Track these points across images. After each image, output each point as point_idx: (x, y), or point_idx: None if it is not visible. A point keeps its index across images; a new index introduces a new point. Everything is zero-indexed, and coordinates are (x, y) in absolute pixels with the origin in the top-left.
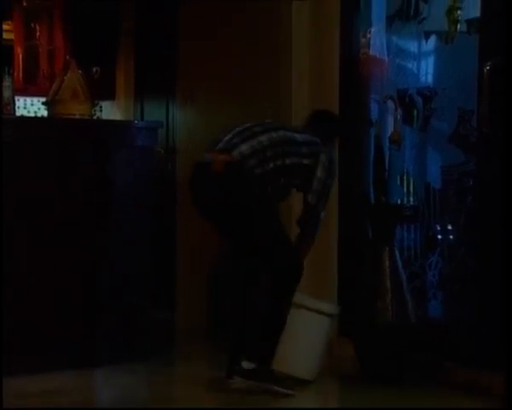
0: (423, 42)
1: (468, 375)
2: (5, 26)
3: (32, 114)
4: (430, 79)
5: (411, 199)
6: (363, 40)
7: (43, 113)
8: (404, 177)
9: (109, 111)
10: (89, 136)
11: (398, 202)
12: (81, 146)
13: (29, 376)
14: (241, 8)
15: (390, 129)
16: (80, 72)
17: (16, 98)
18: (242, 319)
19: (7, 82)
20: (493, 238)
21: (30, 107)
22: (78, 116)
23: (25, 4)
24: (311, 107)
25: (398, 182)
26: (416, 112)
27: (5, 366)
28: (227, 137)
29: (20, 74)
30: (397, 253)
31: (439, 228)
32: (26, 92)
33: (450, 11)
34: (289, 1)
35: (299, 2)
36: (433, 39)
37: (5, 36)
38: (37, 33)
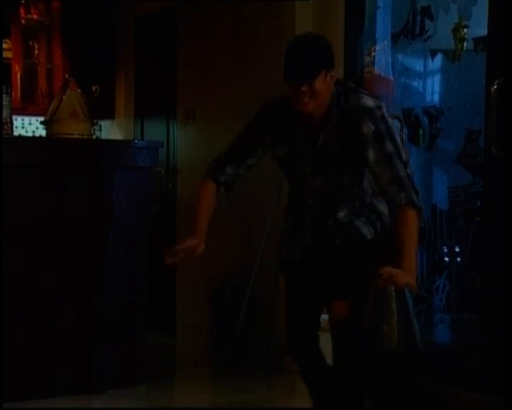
0: (429, 60)
1: (475, 401)
2: (3, 45)
3: (30, 134)
4: (436, 98)
5: None
6: (367, 58)
7: (42, 132)
8: None
9: (109, 130)
10: (88, 156)
11: None
12: (80, 166)
13: (28, 402)
14: (241, 25)
15: None
16: (79, 91)
17: (14, 118)
18: None
19: (4, 101)
20: (501, 260)
21: (28, 126)
22: (77, 136)
23: (23, 22)
24: None
25: None
26: (422, 131)
27: (4, 392)
28: None
29: (18, 93)
30: None
31: (446, 250)
32: (24, 111)
33: (457, 29)
34: (292, 27)
35: (303, 25)
36: (439, 58)
37: (3, 54)
38: (36, 51)
